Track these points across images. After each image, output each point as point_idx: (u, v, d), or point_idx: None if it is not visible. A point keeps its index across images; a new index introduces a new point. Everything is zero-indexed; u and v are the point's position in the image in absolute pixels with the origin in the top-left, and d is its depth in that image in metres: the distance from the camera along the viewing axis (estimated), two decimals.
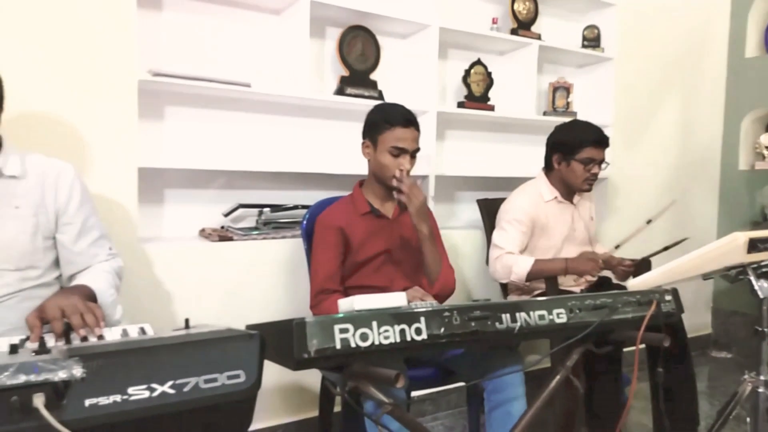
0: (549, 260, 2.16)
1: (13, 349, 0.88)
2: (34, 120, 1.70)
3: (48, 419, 0.71)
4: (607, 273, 2.31)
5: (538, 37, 2.78)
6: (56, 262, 1.39)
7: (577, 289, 2.25)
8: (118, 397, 0.77)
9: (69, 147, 1.75)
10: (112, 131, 1.82)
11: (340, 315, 1.00)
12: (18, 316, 1.25)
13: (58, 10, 1.73)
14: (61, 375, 0.74)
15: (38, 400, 0.72)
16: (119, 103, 1.83)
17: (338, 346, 0.97)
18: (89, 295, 1.25)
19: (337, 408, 1.96)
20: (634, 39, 3.13)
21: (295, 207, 2.22)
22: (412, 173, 1.82)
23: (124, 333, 1.10)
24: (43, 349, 0.84)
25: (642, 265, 2.20)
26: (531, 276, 2.10)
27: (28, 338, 1.07)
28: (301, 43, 2.16)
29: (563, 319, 1.20)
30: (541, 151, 2.34)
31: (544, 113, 2.94)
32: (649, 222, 2.25)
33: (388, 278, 1.85)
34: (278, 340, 0.98)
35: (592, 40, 3.02)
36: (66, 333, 1.08)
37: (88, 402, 0.75)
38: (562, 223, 2.28)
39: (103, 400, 0.76)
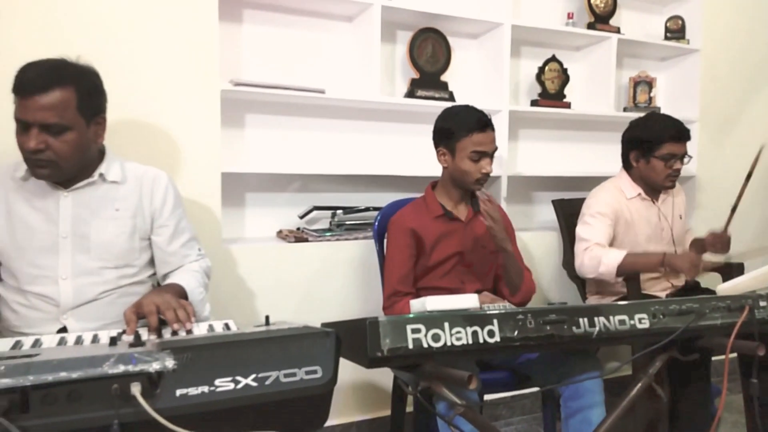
0: (644, 254, 2.01)
1: (113, 341, 0.96)
2: (130, 129, 1.84)
3: (144, 406, 0.77)
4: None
5: (617, 30, 2.67)
6: (150, 262, 1.49)
7: (661, 295, 2.14)
8: (206, 388, 0.82)
9: (160, 154, 1.88)
10: (198, 139, 1.94)
11: (412, 315, 1.01)
12: (116, 311, 1.36)
13: (150, 28, 1.86)
14: (155, 366, 0.81)
15: (135, 389, 0.78)
16: (204, 113, 1.94)
17: (410, 345, 0.98)
18: (181, 293, 1.34)
19: (410, 408, 1.98)
20: (722, 28, 2.93)
21: (367, 209, 2.26)
22: None
23: (210, 328, 1.17)
24: (138, 341, 0.92)
25: (733, 269, 2.06)
26: (622, 269, 1.95)
27: (124, 332, 1.16)
28: (372, 47, 2.19)
29: (645, 324, 1.15)
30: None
31: (625, 109, 2.82)
32: (749, 176, 2.07)
33: (460, 280, 1.84)
34: (352, 339, 1.00)
35: (675, 31, 2.86)
36: (158, 328, 1.17)
37: (179, 392, 0.81)
38: (647, 222, 2.17)
39: (193, 391, 0.82)
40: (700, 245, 2.20)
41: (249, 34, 2.19)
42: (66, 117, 1.26)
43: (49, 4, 1.73)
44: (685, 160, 2.11)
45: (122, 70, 1.82)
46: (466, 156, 1.76)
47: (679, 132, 2.07)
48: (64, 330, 1.34)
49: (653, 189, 2.18)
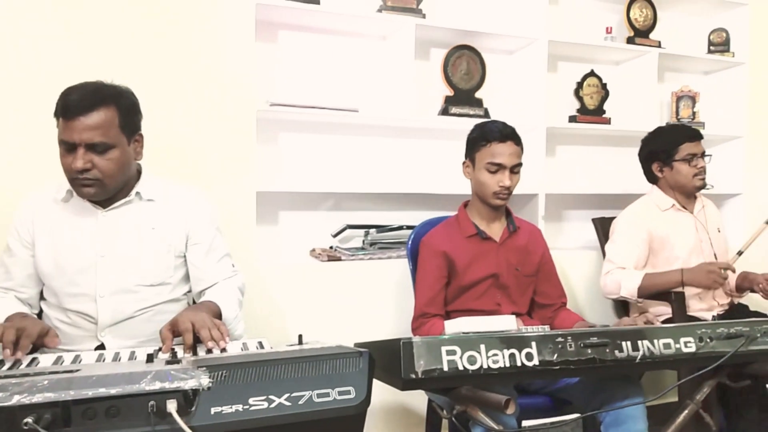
0: (662, 273, 2.01)
1: (149, 358, 0.97)
2: (167, 148, 1.88)
3: (180, 424, 0.78)
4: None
5: (658, 44, 2.62)
6: (185, 279, 1.51)
7: (708, 316, 2.05)
8: (240, 407, 0.82)
9: (197, 173, 1.91)
10: (233, 158, 1.97)
11: (447, 336, 0.99)
12: (152, 328, 1.38)
13: (188, 50, 1.91)
14: (191, 383, 0.81)
15: (171, 406, 0.79)
16: (240, 132, 1.98)
17: (445, 368, 0.96)
18: (216, 312, 1.34)
19: None
20: None
21: (400, 227, 2.25)
22: (515, 191, 1.78)
23: (244, 347, 1.17)
24: (174, 359, 0.92)
25: None
26: (642, 291, 1.98)
27: (160, 349, 1.17)
28: (406, 66, 2.20)
29: (691, 348, 1.10)
30: None
31: (667, 125, 2.74)
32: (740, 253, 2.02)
33: (495, 303, 1.79)
34: (386, 359, 0.99)
35: (719, 44, 2.78)
36: (193, 346, 1.17)
37: (213, 410, 0.81)
38: (686, 234, 2.12)
39: (227, 409, 0.82)
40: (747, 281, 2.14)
41: (284, 54, 2.23)
42: (110, 135, 1.30)
43: (86, 26, 1.81)
44: (707, 159, 2.14)
45: (160, 89, 1.87)
46: (484, 167, 1.74)
47: (692, 132, 2.14)
48: (101, 347, 1.36)
49: (686, 196, 2.18)
